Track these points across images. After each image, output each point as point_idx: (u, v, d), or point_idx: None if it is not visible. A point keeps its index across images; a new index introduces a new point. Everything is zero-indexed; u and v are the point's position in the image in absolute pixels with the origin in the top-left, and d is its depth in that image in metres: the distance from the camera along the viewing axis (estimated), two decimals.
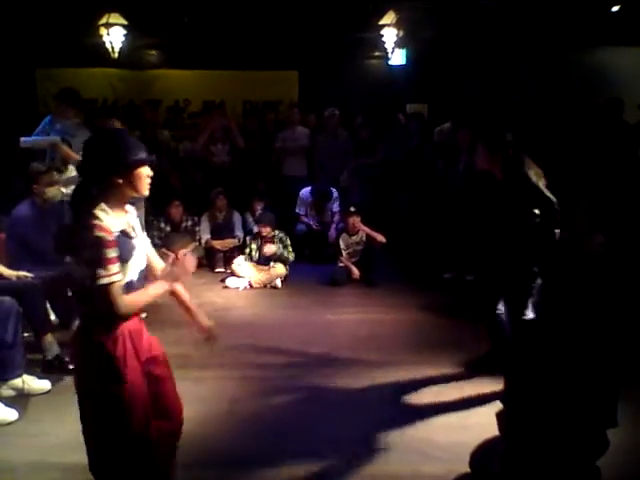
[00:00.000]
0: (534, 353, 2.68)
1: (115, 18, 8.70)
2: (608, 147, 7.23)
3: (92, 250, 2.34)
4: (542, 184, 4.09)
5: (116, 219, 2.47)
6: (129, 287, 2.48)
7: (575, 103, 8.66)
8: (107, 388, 2.48)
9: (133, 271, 2.52)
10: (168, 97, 10.28)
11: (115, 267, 2.38)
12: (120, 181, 2.46)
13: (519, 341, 2.83)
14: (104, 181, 2.46)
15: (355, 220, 7.21)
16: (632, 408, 3.52)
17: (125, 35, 8.85)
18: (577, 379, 2.60)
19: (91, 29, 8.81)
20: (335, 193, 8.15)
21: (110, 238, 2.38)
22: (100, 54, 9.07)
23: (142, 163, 2.50)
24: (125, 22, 8.75)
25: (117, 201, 2.50)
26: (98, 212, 2.41)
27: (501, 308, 4.34)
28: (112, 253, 2.37)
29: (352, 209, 7.29)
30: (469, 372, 4.51)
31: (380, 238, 7.20)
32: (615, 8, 8.56)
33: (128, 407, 2.49)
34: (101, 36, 8.81)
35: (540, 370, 2.64)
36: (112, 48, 8.91)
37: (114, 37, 8.81)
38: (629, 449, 3.32)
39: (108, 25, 8.72)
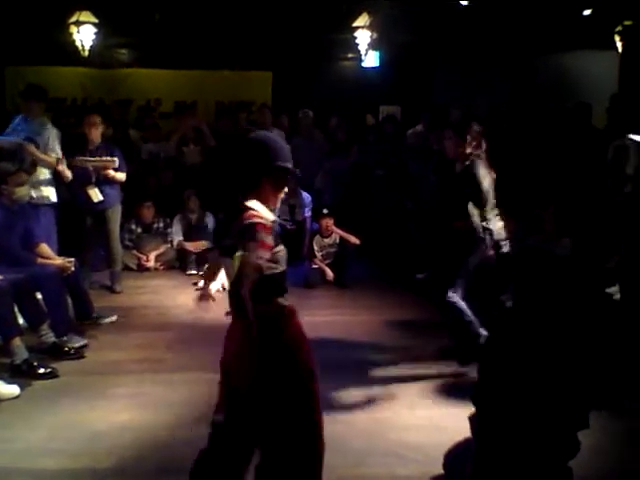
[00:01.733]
0: (505, 355, 2.70)
1: (86, 16, 8.58)
2: (576, 151, 7.33)
3: (249, 234, 2.30)
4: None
5: (269, 213, 2.48)
6: (283, 276, 2.51)
7: (545, 107, 8.77)
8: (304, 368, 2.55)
9: (285, 259, 2.53)
10: (139, 97, 10.17)
11: (266, 253, 2.31)
12: (267, 184, 2.50)
13: (490, 344, 2.85)
14: (252, 180, 2.49)
15: (328, 222, 7.21)
16: (603, 410, 3.58)
17: (95, 33, 8.74)
18: (548, 381, 2.63)
19: (61, 27, 8.68)
20: (308, 198, 8.13)
21: (266, 223, 2.37)
22: (70, 53, 8.94)
23: (287, 172, 2.57)
24: (96, 20, 8.64)
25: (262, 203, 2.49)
26: (251, 204, 2.42)
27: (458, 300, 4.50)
28: (268, 238, 2.33)
29: (325, 211, 7.29)
30: (443, 372, 4.53)
31: (354, 240, 7.21)
32: (587, 12, 8.68)
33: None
34: (71, 34, 8.68)
35: (512, 372, 2.66)
36: (82, 47, 8.79)
37: (84, 35, 8.69)
38: (600, 451, 3.37)
39: (78, 23, 8.60)
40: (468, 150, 4.46)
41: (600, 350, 4.06)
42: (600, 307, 4.75)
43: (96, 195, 6.24)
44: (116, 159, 6.23)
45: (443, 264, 4.84)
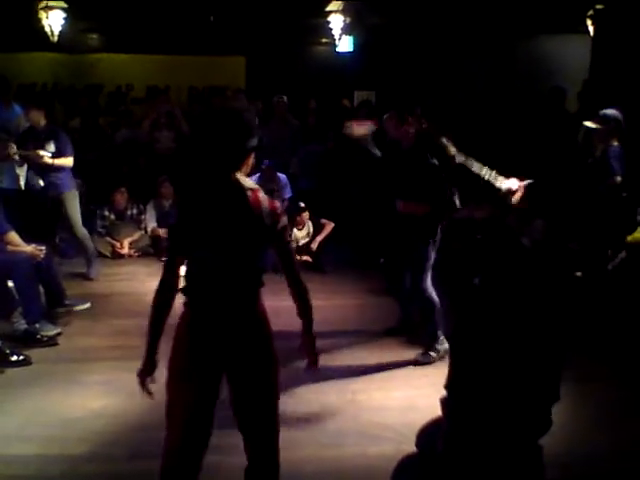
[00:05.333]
0: (475, 335, 2.73)
1: (55, 1, 8.48)
2: (548, 135, 7.40)
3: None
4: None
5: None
6: None
7: (519, 92, 8.81)
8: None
9: None
10: (110, 82, 10.05)
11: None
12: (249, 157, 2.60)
13: (460, 325, 2.87)
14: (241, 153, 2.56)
15: (304, 216, 7.21)
16: (574, 389, 3.64)
17: (65, 18, 8.62)
18: (520, 356, 2.66)
19: (31, 13, 8.54)
20: (285, 179, 8.09)
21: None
22: (40, 38, 8.81)
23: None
24: (65, 5, 8.52)
25: None
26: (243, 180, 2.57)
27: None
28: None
29: (302, 205, 7.27)
30: (414, 355, 4.58)
31: (328, 229, 7.20)
32: None
33: None
34: (40, 20, 8.56)
35: (483, 349, 2.69)
36: (51, 32, 8.68)
37: (53, 21, 8.60)
38: (571, 429, 3.43)
39: (48, 8, 8.50)
40: (411, 130, 4.48)
41: (569, 328, 4.12)
42: (567, 287, 4.79)
43: None
44: (42, 152, 6.07)
45: (395, 250, 4.81)
